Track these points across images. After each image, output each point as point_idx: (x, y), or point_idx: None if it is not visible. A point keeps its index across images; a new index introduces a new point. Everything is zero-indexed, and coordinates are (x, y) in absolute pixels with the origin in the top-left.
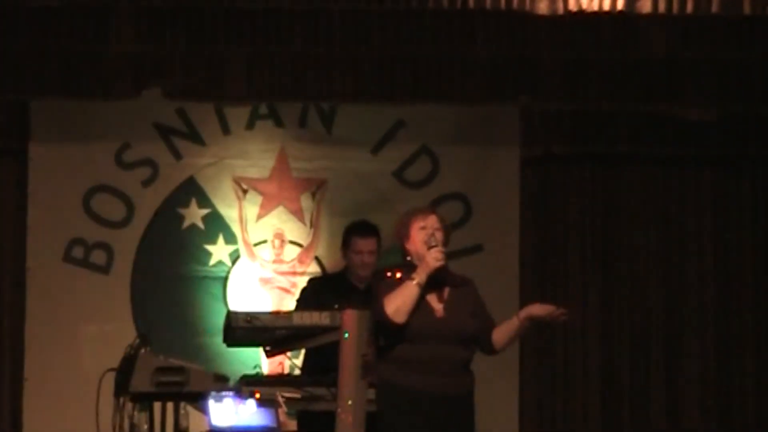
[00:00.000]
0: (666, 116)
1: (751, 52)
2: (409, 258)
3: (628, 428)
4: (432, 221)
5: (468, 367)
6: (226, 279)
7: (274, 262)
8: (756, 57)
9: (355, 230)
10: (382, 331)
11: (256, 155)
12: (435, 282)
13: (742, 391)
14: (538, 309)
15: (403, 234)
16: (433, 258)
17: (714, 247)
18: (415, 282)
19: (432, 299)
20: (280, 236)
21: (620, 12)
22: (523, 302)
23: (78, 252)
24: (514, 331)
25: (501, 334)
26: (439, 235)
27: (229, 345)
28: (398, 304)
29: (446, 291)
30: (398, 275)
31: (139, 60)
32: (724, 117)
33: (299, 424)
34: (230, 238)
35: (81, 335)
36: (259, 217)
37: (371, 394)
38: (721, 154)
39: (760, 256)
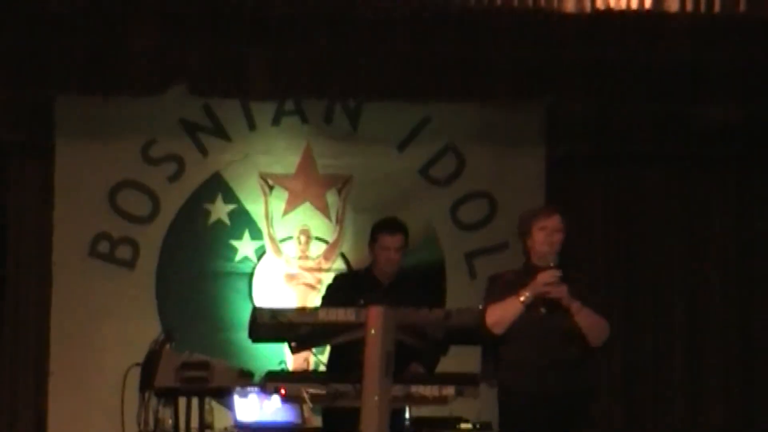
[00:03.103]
0: (690, 117)
1: None
2: (529, 256)
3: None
4: (553, 222)
5: (578, 364)
6: (251, 275)
7: (300, 258)
8: None
9: (383, 227)
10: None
11: (281, 151)
12: None
13: (764, 393)
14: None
15: (524, 231)
16: (543, 281)
17: (737, 247)
18: (521, 299)
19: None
20: (305, 232)
21: (647, 11)
22: None
23: (103, 247)
24: (577, 320)
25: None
26: (557, 237)
27: (254, 341)
28: (499, 316)
29: None
30: (511, 278)
31: (165, 56)
32: (749, 118)
33: (324, 421)
34: (256, 234)
35: (106, 330)
36: (285, 213)
37: (396, 390)
38: (746, 155)
39: None
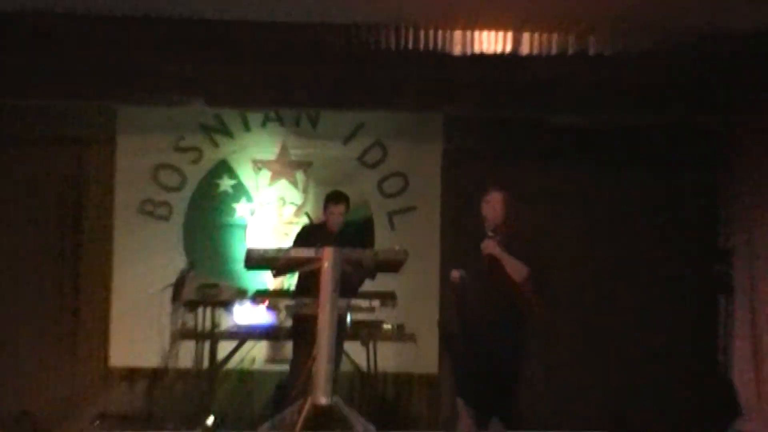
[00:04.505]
0: (548, 123)
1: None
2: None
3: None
4: (489, 199)
5: (509, 321)
6: (246, 226)
7: (278, 215)
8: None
9: (331, 198)
10: None
11: (266, 144)
12: None
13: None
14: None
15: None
16: (484, 245)
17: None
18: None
19: None
20: (282, 199)
21: (507, 54)
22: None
23: (148, 207)
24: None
25: None
26: (495, 212)
27: (249, 269)
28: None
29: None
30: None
31: (187, 78)
32: (597, 124)
33: (293, 323)
34: (249, 200)
35: (151, 263)
36: (269, 185)
37: (341, 303)
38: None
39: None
